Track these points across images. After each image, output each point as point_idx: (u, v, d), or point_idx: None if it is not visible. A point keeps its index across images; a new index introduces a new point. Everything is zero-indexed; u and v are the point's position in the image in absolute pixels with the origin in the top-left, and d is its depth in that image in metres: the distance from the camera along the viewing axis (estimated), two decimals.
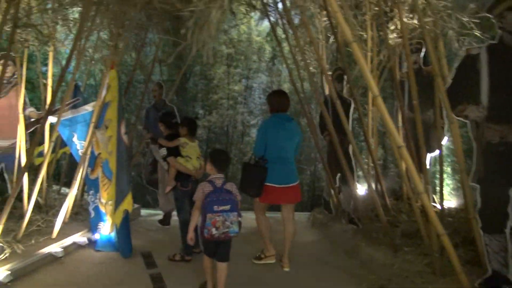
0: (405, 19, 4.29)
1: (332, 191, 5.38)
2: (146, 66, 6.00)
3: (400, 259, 3.71)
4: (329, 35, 5.21)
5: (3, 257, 3.82)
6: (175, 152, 4.25)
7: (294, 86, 5.03)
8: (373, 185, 5.42)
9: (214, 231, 3.16)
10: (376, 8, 4.42)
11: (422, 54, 4.70)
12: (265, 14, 5.05)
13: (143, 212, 6.64)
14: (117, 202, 4.12)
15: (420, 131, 3.77)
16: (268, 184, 3.97)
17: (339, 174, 5.21)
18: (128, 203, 4.11)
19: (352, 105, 4.74)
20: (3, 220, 3.84)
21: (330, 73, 5.09)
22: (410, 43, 4.61)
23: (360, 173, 5.26)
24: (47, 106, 5.02)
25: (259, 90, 7.57)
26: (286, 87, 7.33)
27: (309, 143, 7.18)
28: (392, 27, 4.43)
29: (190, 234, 3.40)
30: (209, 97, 7.40)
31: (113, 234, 4.53)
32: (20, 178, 4.07)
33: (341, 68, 4.97)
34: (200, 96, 7.51)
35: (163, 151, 4.23)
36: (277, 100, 4.17)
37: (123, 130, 4.14)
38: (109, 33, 4.45)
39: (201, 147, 4.39)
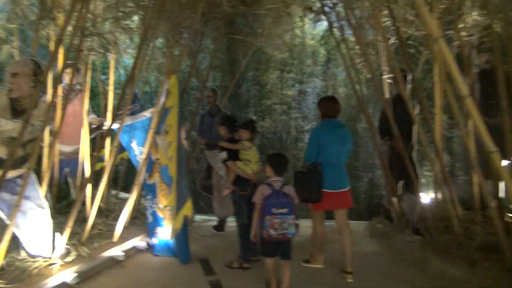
0: (476, 16, 4.02)
1: (394, 199, 5.10)
2: (201, 73, 6.04)
3: (479, 275, 3.40)
4: (388, 36, 4.97)
5: (70, 259, 3.93)
6: (234, 156, 4.21)
7: (354, 89, 4.83)
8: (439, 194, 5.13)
9: (272, 232, 3.33)
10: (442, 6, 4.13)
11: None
12: (322, 15, 4.91)
13: (197, 218, 6.67)
14: (178, 207, 4.12)
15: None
16: (322, 189, 3.96)
17: (401, 181, 4.94)
18: (188, 209, 4.11)
19: (418, 108, 4.48)
20: (71, 224, 3.94)
21: (391, 75, 4.84)
22: (483, 42, 4.31)
23: (423, 180, 4.96)
24: (108, 113, 5.18)
25: (313, 95, 7.40)
26: (341, 91, 7.13)
27: (366, 148, 6.93)
28: (461, 25, 4.14)
29: (254, 232, 3.57)
30: (262, 102, 7.34)
31: (171, 240, 4.53)
32: (85, 183, 4.18)
33: (403, 69, 4.71)
34: (253, 102, 7.46)
35: (223, 155, 4.20)
36: (329, 105, 4.18)
37: (183, 135, 4.15)
38: (166, 40, 4.49)
39: None
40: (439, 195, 4.57)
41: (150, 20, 3.84)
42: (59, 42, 3.05)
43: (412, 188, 4.67)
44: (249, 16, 5.40)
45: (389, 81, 4.78)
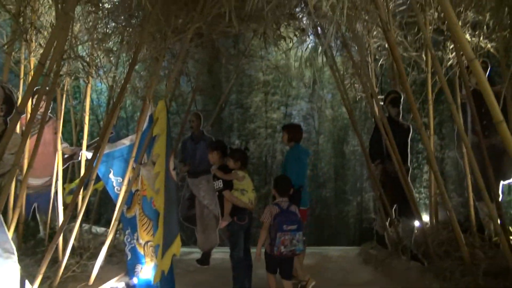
0: (467, 37, 4.02)
1: (388, 224, 4.94)
2: (182, 96, 5.76)
3: None
4: (377, 57, 4.93)
5: None
6: (229, 184, 3.95)
7: (348, 110, 4.70)
8: (430, 217, 5.03)
9: (282, 248, 3.51)
10: (431, 27, 4.14)
11: (487, 73, 4.36)
12: (308, 36, 4.82)
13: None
14: (165, 245, 3.72)
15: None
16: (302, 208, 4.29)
17: (395, 205, 4.80)
18: (176, 247, 3.72)
19: (411, 131, 4.39)
20: (43, 270, 3.48)
21: (381, 97, 4.77)
22: None
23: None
24: (84, 141, 4.78)
25: (298, 117, 7.26)
26: (328, 113, 7.04)
27: (354, 171, 6.80)
28: (451, 46, 4.14)
29: (258, 251, 3.70)
30: (245, 126, 7.10)
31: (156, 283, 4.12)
32: (64, 222, 3.75)
33: (396, 91, 4.65)
34: (236, 126, 7.22)
35: (219, 184, 3.91)
36: (297, 131, 4.49)
37: (172, 165, 3.81)
38: (151, 62, 4.21)
39: None
40: (435, 218, 4.45)
41: (140, 40, 3.54)
42: (41, 66, 2.68)
43: (407, 212, 4.52)
44: (234, 37, 5.24)
45: (380, 103, 4.69)
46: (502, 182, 4.18)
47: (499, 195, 4.00)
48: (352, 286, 4.48)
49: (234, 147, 4.35)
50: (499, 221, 3.42)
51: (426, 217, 4.86)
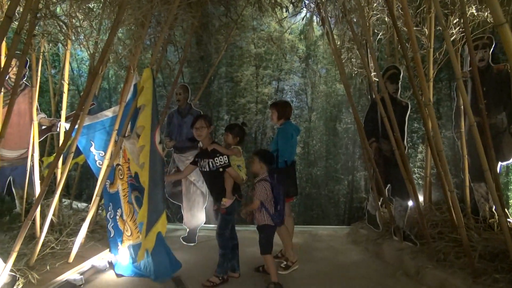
0: (473, 11, 3.82)
1: (380, 204, 4.83)
2: (169, 67, 5.43)
3: (487, 287, 3.15)
4: (376, 31, 4.69)
5: None
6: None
7: (346, 86, 4.48)
8: (424, 198, 4.94)
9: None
10: None
11: (491, 50, 4.18)
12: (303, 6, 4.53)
13: None
14: (150, 223, 3.52)
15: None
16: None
17: (388, 185, 4.68)
18: (162, 224, 3.52)
19: (409, 109, 4.21)
20: (17, 247, 3.24)
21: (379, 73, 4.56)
22: (478, 38, 4.14)
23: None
24: (63, 112, 4.47)
25: (291, 93, 6.98)
26: (322, 89, 6.79)
27: (346, 150, 6.64)
28: (455, 21, 3.93)
29: (255, 205, 3.69)
30: (235, 101, 6.79)
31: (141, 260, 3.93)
32: (39, 196, 3.49)
33: (395, 66, 4.44)
34: (226, 100, 6.90)
35: (225, 159, 3.69)
36: (287, 108, 4.43)
37: (157, 139, 3.56)
38: (136, 28, 3.87)
39: None
40: (429, 199, 4.34)
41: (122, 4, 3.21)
42: (8, 19, 2.35)
43: (401, 192, 4.40)
44: (225, 4, 4.90)
45: (376, 79, 4.48)
46: (500, 163, 4.08)
47: (498, 177, 3.89)
48: (342, 266, 4.39)
49: (244, 123, 4.12)
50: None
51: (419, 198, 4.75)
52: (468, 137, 4.32)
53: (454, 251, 3.76)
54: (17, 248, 3.24)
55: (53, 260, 3.95)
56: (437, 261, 3.80)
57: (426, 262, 3.86)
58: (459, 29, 3.99)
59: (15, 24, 3.13)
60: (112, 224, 4.35)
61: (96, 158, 4.31)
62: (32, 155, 4.34)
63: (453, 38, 4.01)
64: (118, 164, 4.16)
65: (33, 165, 4.33)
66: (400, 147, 4.09)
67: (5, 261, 3.23)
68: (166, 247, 3.73)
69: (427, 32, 4.10)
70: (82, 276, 3.85)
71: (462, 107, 4.32)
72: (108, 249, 4.42)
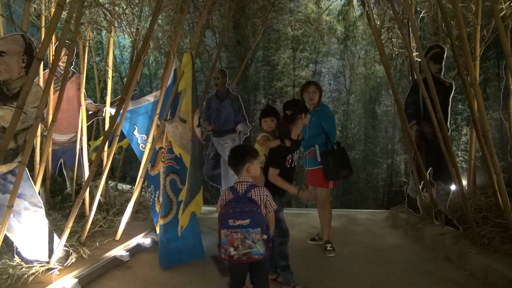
0: None
1: (421, 188, 4.72)
2: (207, 52, 5.51)
3: None
4: (419, 8, 4.52)
5: (70, 263, 3.49)
6: None
7: (386, 67, 4.37)
8: (468, 182, 4.77)
9: (232, 251, 2.51)
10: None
11: None
12: None
13: (203, 209, 6.21)
14: (186, 202, 3.65)
15: None
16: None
17: (430, 169, 4.56)
18: (196, 205, 3.62)
19: (453, 90, 4.05)
20: (70, 224, 3.48)
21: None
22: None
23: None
24: (107, 98, 4.67)
25: (329, 76, 6.88)
26: (360, 71, 6.66)
27: (386, 133, 6.50)
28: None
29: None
30: (272, 84, 6.77)
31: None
32: (89, 178, 3.70)
33: (439, 45, 4.26)
34: (263, 84, 6.91)
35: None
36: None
37: (196, 122, 3.65)
38: (174, 14, 3.95)
39: None
40: (473, 183, 4.18)
41: None
42: (60, 8, 2.47)
43: (444, 175, 4.27)
44: None
45: (418, 59, 4.33)
46: None
47: None
48: (381, 249, 4.36)
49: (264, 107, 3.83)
50: None
51: (463, 182, 4.59)
52: None
53: (499, 236, 3.62)
54: (70, 225, 3.47)
55: (101, 237, 4.17)
56: (480, 246, 3.68)
57: (469, 247, 3.75)
58: (510, 3, 3.76)
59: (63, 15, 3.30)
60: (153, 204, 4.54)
61: (139, 142, 4.48)
62: (81, 139, 4.58)
63: (502, 13, 3.78)
64: (161, 147, 4.31)
65: (81, 148, 4.58)
66: (443, 129, 3.95)
67: (59, 237, 3.47)
68: (196, 232, 3.80)
69: (474, 8, 3.89)
70: (128, 253, 4.07)
71: (511, 86, 4.10)
72: (151, 228, 4.63)
